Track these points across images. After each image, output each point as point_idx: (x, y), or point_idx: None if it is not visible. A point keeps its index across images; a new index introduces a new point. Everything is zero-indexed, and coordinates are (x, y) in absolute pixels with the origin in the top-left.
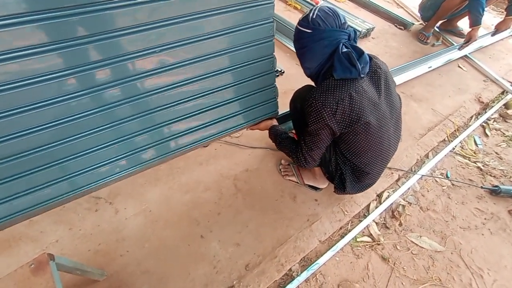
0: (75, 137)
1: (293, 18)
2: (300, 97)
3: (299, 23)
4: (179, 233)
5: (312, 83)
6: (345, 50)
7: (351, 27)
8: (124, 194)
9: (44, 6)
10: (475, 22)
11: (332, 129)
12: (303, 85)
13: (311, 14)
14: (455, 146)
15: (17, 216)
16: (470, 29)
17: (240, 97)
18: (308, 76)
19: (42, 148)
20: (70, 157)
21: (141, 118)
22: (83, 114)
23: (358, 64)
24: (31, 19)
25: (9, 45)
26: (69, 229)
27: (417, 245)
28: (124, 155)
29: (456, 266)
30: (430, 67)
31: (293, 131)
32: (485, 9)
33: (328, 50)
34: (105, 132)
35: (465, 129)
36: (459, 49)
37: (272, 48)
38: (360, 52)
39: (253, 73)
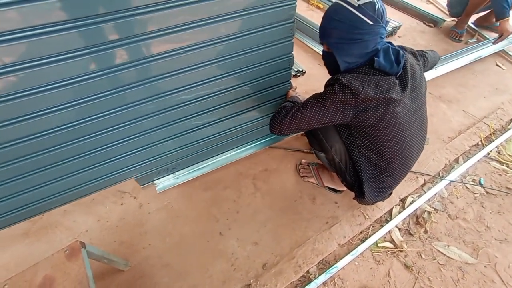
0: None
1: (315, 17)
2: (317, 140)
3: (361, 11)
4: (198, 229)
5: None
6: (394, 47)
7: None
8: (147, 189)
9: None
10: (500, 15)
11: (345, 114)
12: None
13: (378, 5)
14: (491, 151)
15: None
16: (498, 24)
17: (258, 93)
18: (341, 70)
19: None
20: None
21: (167, 113)
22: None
23: (401, 64)
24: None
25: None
26: (97, 220)
27: (444, 255)
28: (148, 146)
29: (491, 281)
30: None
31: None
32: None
33: (376, 47)
34: (129, 127)
35: (503, 133)
36: (493, 43)
37: (291, 47)
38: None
39: (272, 70)
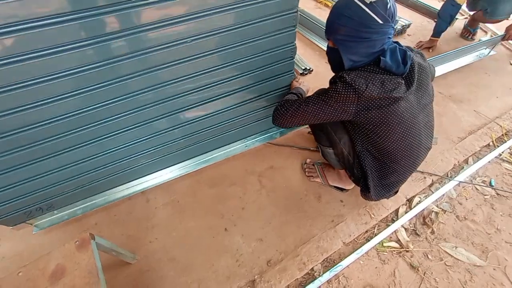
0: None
1: (323, 15)
2: (326, 133)
3: (372, 8)
4: (204, 224)
5: None
6: (401, 47)
7: None
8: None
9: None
10: (434, 32)
11: (346, 112)
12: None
13: (390, 4)
14: (502, 152)
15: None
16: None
17: (261, 82)
18: (345, 68)
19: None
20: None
21: (169, 102)
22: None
23: (408, 64)
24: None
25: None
26: (106, 214)
27: (452, 256)
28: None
29: (500, 284)
30: None
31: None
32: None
33: (383, 47)
34: (131, 116)
35: None
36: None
37: (294, 37)
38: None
39: (276, 59)
